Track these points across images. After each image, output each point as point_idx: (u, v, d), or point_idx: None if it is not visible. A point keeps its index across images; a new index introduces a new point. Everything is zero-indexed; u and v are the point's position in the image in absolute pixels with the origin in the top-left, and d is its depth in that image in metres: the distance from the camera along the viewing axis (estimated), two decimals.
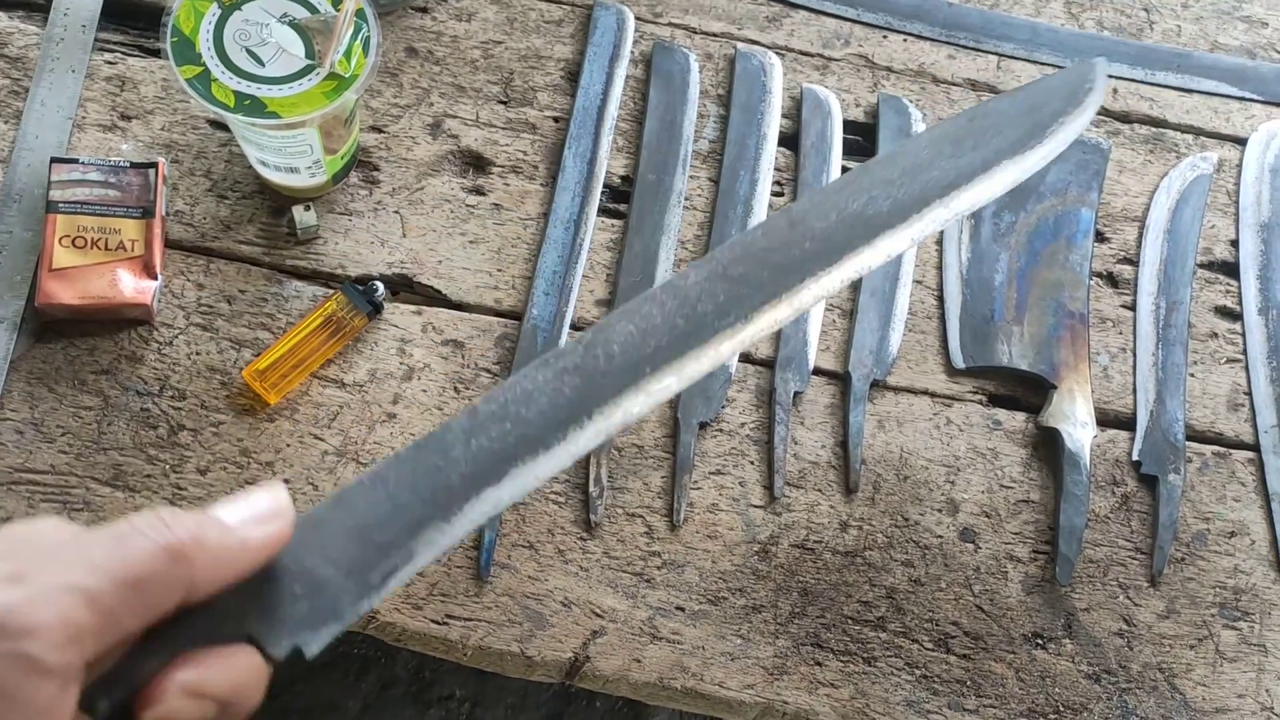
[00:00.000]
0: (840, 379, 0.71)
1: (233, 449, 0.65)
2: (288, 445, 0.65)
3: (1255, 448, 0.72)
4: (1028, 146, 0.41)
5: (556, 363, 0.36)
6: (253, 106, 0.59)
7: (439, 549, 0.34)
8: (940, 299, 0.74)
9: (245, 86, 0.59)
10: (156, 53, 0.73)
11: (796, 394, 0.70)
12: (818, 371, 0.71)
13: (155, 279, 0.66)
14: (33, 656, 0.28)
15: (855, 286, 0.73)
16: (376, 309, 0.68)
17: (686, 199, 0.75)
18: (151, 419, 0.65)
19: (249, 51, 0.60)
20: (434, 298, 0.70)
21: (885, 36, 0.82)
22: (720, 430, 0.69)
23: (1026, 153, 0.41)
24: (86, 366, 0.65)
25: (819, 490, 0.68)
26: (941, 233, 0.76)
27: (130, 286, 0.65)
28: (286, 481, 0.64)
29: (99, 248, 0.65)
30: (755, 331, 0.38)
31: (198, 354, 0.67)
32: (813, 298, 0.38)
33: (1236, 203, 0.80)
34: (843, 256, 0.38)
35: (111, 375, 0.65)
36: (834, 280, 0.39)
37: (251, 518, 0.34)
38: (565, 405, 0.35)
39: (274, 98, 0.59)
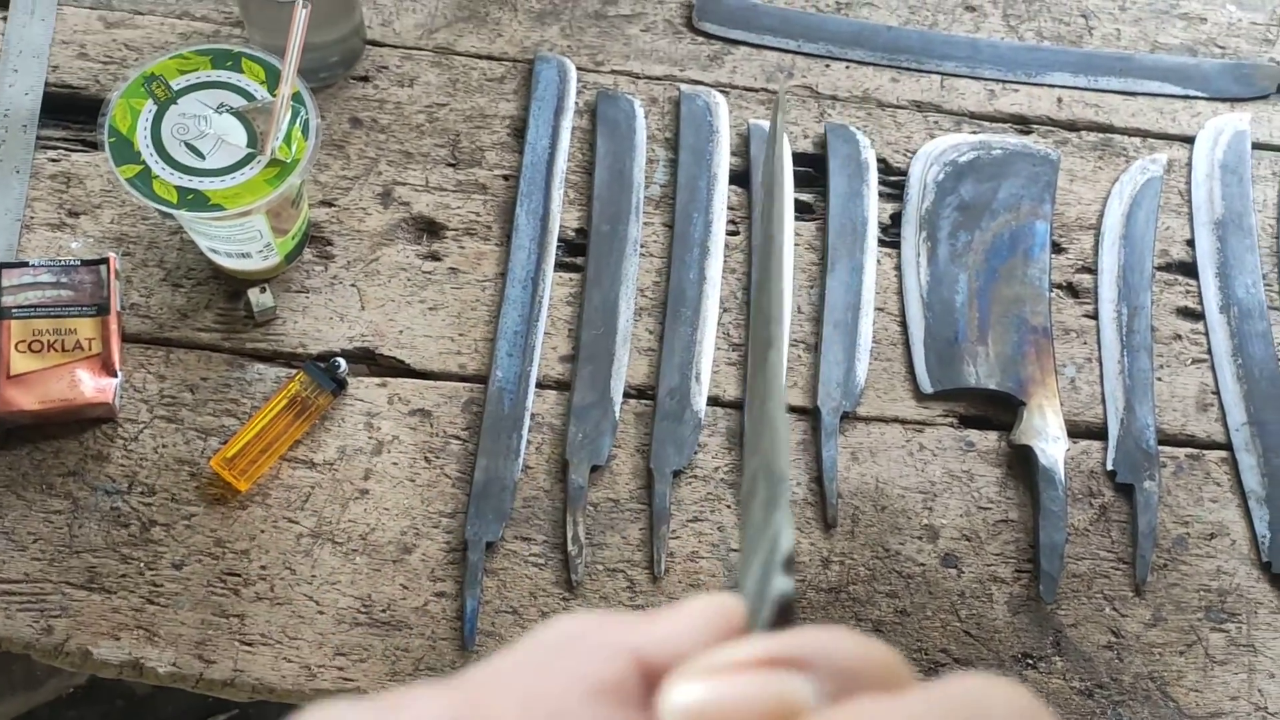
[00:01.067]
0: (810, 414, 0.71)
1: (207, 540, 0.64)
2: (262, 531, 0.65)
3: (1228, 446, 0.73)
4: None
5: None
6: (196, 201, 0.59)
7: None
8: (903, 325, 0.74)
9: (187, 181, 0.59)
10: (98, 145, 0.72)
11: None
12: (787, 409, 0.71)
13: (115, 376, 0.65)
14: None
15: (817, 320, 0.74)
16: (340, 385, 0.68)
17: (642, 246, 0.75)
18: (122, 517, 0.64)
19: (188, 145, 0.60)
20: (398, 368, 0.70)
21: (828, 65, 0.82)
22: (695, 477, 0.69)
23: None
24: (53, 470, 0.65)
25: (798, 528, 0.68)
26: (900, 257, 0.76)
27: (91, 386, 0.64)
28: (263, 568, 0.64)
29: (56, 350, 0.65)
30: None
31: (164, 447, 0.66)
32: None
33: (1189, 202, 0.80)
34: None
35: (79, 476, 0.65)
36: None
37: (700, 633, 0.25)
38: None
39: (217, 189, 0.59)
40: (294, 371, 0.68)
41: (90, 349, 0.65)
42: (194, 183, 0.59)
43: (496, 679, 0.24)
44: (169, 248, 0.71)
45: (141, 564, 0.64)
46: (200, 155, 0.60)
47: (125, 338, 0.68)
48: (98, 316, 0.66)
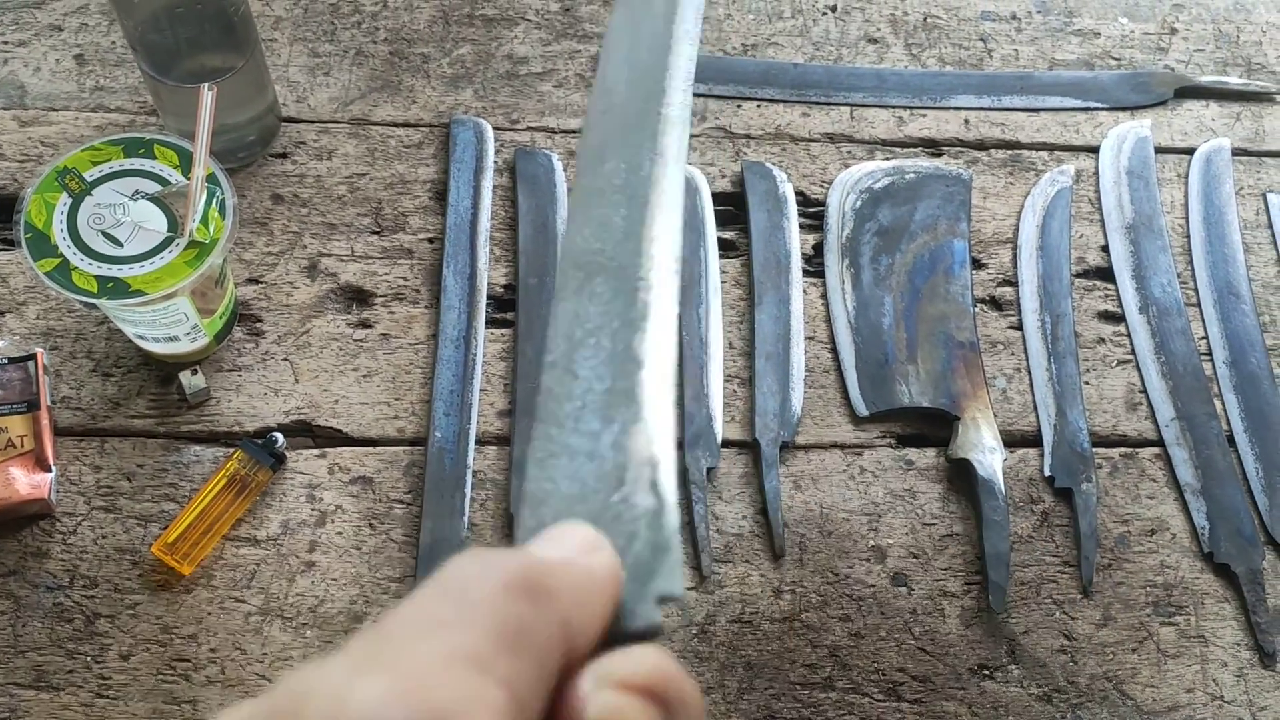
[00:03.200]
0: (750, 447, 0.72)
1: (153, 628, 0.64)
2: (209, 614, 0.64)
3: (1159, 443, 0.74)
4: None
5: (566, 290, 0.33)
6: (116, 289, 0.59)
7: (665, 439, 0.29)
8: (834, 351, 0.76)
9: (106, 270, 0.59)
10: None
11: (710, 470, 0.71)
12: (726, 444, 0.72)
13: (49, 471, 0.65)
14: None
15: (749, 353, 0.75)
16: (279, 460, 0.68)
17: None
18: (66, 612, 0.64)
19: (105, 234, 0.60)
20: (336, 438, 0.70)
21: (739, 106, 0.84)
22: None
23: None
24: None
25: (747, 561, 0.69)
26: (825, 285, 0.78)
27: (25, 484, 0.64)
28: (212, 650, 0.64)
29: None
30: (674, 156, 0.35)
31: (104, 538, 0.66)
32: (679, 114, 0.36)
33: (1100, 209, 0.82)
34: (662, 83, 0.38)
35: (19, 575, 0.64)
36: (677, 95, 0.37)
37: (575, 550, 0.27)
38: (614, 294, 0.33)
39: (137, 276, 0.59)
40: (231, 450, 0.68)
41: (22, 446, 0.65)
42: (113, 271, 0.59)
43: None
44: (96, 338, 0.71)
45: (88, 658, 0.63)
46: (118, 243, 0.60)
47: (58, 431, 0.68)
48: (28, 413, 0.66)
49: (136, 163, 0.62)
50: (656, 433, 0.29)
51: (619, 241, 0.33)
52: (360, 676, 0.21)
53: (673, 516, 0.28)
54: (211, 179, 0.62)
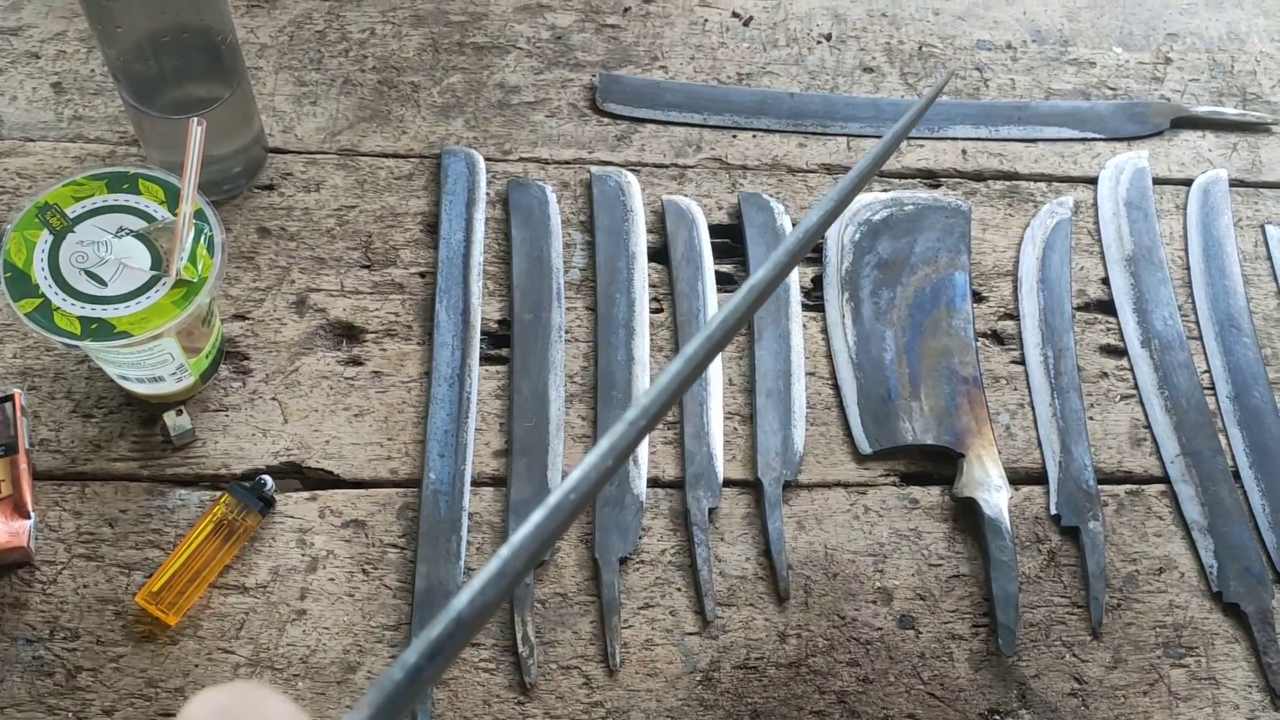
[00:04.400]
0: (752, 486, 0.70)
1: (137, 681, 0.61)
2: (196, 666, 0.62)
3: (1165, 479, 0.73)
4: None
5: None
6: (100, 330, 0.57)
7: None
8: (835, 387, 0.74)
9: (90, 310, 0.57)
10: None
11: (711, 510, 0.69)
12: (728, 483, 0.70)
13: (28, 517, 0.62)
14: None
15: (750, 390, 0.73)
16: (268, 504, 0.65)
17: (567, 332, 0.74)
18: (46, 666, 0.61)
19: (88, 273, 0.58)
20: (327, 480, 0.68)
21: (735, 136, 0.83)
22: (642, 562, 0.68)
23: None
24: None
25: (751, 605, 0.67)
26: (825, 320, 0.76)
27: (2, 531, 0.61)
28: None
29: None
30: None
31: (85, 587, 0.63)
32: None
33: (1099, 241, 0.81)
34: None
35: None
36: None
37: None
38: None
39: (122, 316, 0.57)
40: (218, 494, 0.66)
41: (0, 492, 0.62)
42: (97, 311, 0.57)
43: None
44: (77, 378, 0.68)
45: (70, 714, 0.60)
46: (102, 282, 0.58)
47: (36, 475, 0.65)
48: (5, 457, 0.63)
49: (121, 198, 0.60)
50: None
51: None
52: None
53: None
54: (199, 215, 0.60)
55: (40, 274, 0.57)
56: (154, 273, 0.58)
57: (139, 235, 0.59)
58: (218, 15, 0.65)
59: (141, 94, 0.67)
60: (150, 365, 0.62)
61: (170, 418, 0.66)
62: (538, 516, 0.28)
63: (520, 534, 0.28)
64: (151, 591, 0.62)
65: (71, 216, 0.59)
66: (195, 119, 0.58)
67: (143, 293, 0.58)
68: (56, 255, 0.58)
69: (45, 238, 0.58)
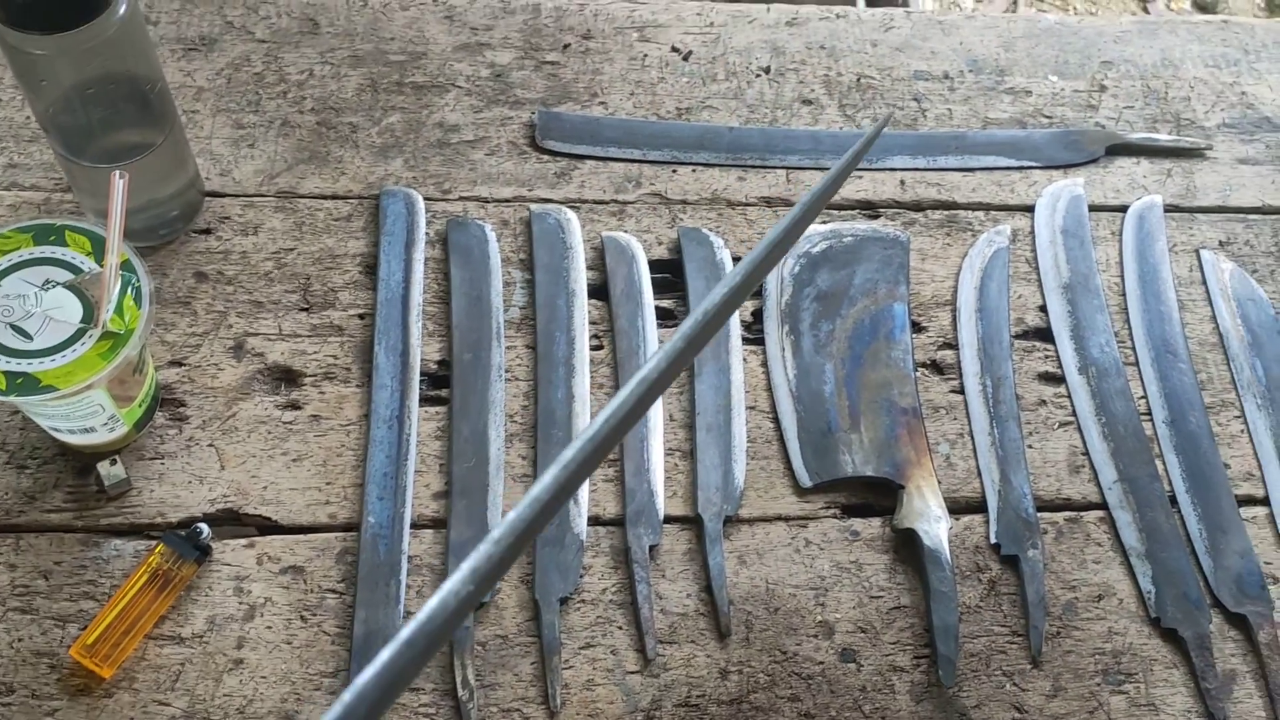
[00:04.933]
0: (693, 522, 0.71)
1: None
2: (131, 719, 0.61)
3: (1103, 505, 0.74)
4: None
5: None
6: (26, 384, 0.56)
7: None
8: (776, 421, 0.75)
9: (15, 365, 0.57)
10: None
11: (652, 547, 0.69)
12: (669, 520, 0.70)
13: None
14: None
15: (690, 425, 0.73)
16: (204, 552, 0.65)
17: (507, 371, 0.74)
18: None
19: (13, 327, 0.57)
20: (265, 526, 0.68)
21: (675, 171, 0.83)
22: (583, 601, 0.67)
23: None
24: None
25: (692, 642, 0.67)
26: (765, 353, 0.77)
27: None
28: None
29: None
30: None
31: (19, 640, 0.62)
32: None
33: (1037, 269, 0.82)
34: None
35: None
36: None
37: None
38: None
39: (48, 370, 0.57)
40: (153, 544, 0.65)
41: None
42: (23, 365, 0.57)
43: None
44: (10, 428, 0.68)
45: None
46: (28, 336, 0.57)
47: None
48: None
49: (47, 250, 0.60)
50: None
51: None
52: None
53: None
54: (126, 265, 0.60)
55: None
56: (81, 324, 0.58)
57: (69, 286, 0.59)
58: (145, 63, 0.65)
59: (71, 144, 0.67)
60: (80, 417, 0.62)
61: (104, 467, 0.66)
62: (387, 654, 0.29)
63: (366, 675, 0.29)
64: (86, 644, 0.62)
65: None
66: (117, 172, 0.58)
67: (69, 345, 0.58)
68: None
69: None
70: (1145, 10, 2.34)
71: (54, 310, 0.58)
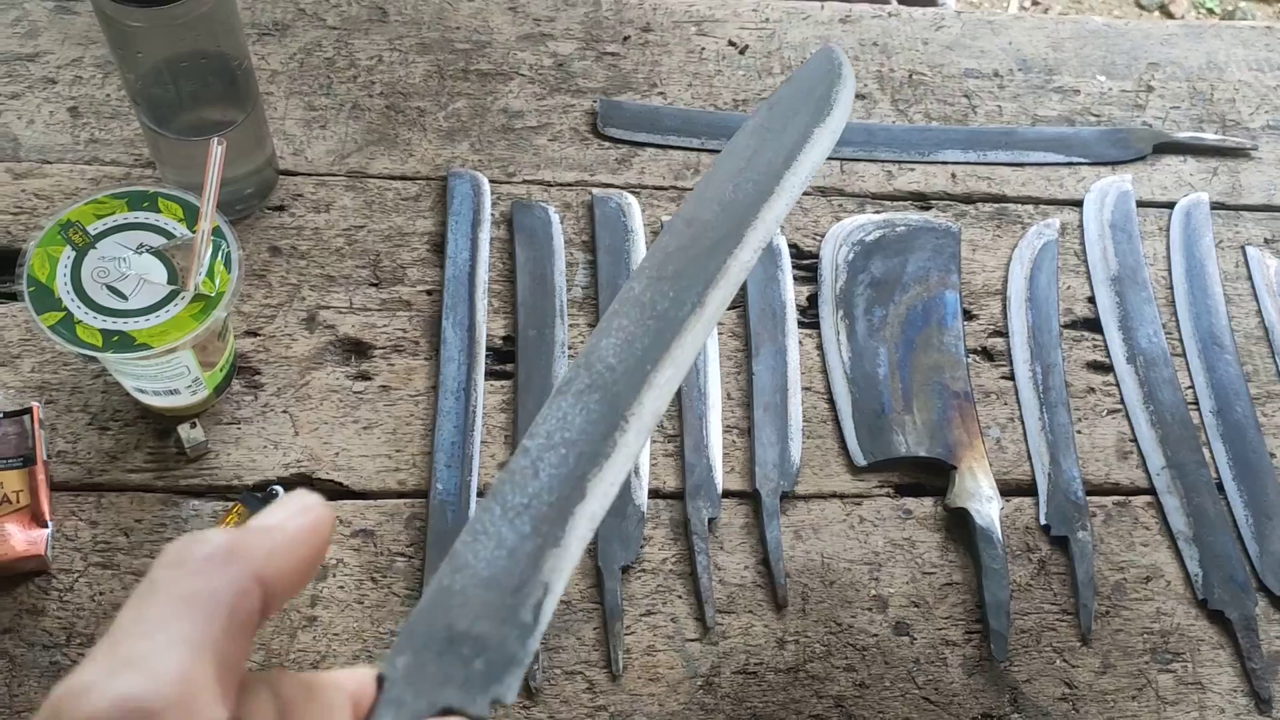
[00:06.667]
0: (750, 497, 0.72)
1: None
2: None
3: (1151, 490, 0.75)
4: (824, 115, 0.46)
5: (570, 388, 0.37)
6: (121, 342, 0.59)
7: (565, 574, 0.34)
8: (831, 402, 0.76)
9: (111, 323, 0.59)
10: (15, 296, 0.72)
11: (711, 520, 0.71)
12: (727, 494, 0.72)
13: (46, 526, 0.64)
14: None
15: (747, 404, 0.75)
16: None
17: (570, 348, 0.76)
18: (63, 671, 0.62)
19: (110, 288, 0.60)
20: (336, 491, 0.70)
21: None
22: (643, 570, 0.69)
23: (827, 119, 0.45)
24: None
25: (750, 612, 0.69)
26: (820, 336, 0.79)
27: (21, 540, 0.63)
28: None
29: None
30: (712, 313, 0.40)
31: (101, 594, 0.65)
32: (741, 270, 0.41)
33: (1085, 261, 0.84)
34: (743, 231, 0.41)
35: (14, 633, 0.63)
36: (749, 251, 0.41)
37: (287, 515, 0.31)
38: (601, 417, 0.36)
39: (142, 329, 0.59)
40: (231, 504, 0.68)
41: (18, 502, 0.64)
42: (118, 324, 0.59)
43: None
44: (93, 391, 0.70)
45: None
46: (123, 296, 0.60)
47: (54, 486, 0.67)
48: (24, 468, 0.65)
49: (141, 216, 0.62)
50: (564, 563, 0.33)
51: (629, 369, 0.37)
52: (96, 673, 0.25)
53: (536, 640, 0.32)
54: (217, 232, 0.62)
55: (63, 289, 0.59)
56: (173, 287, 0.60)
57: (157, 252, 0.61)
58: (234, 42, 0.68)
59: (159, 117, 0.69)
60: (167, 378, 0.64)
61: (185, 430, 0.68)
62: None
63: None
64: None
65: (93, 233, 0.61)
66: (216, 139, 0.61)
67: (162, 306, 0.60)
68: (79, 271, 0.60)
69: (68, 254, 0.60)
70: (1170, 17, 2.35)
71: (146, 273, 0.61)
